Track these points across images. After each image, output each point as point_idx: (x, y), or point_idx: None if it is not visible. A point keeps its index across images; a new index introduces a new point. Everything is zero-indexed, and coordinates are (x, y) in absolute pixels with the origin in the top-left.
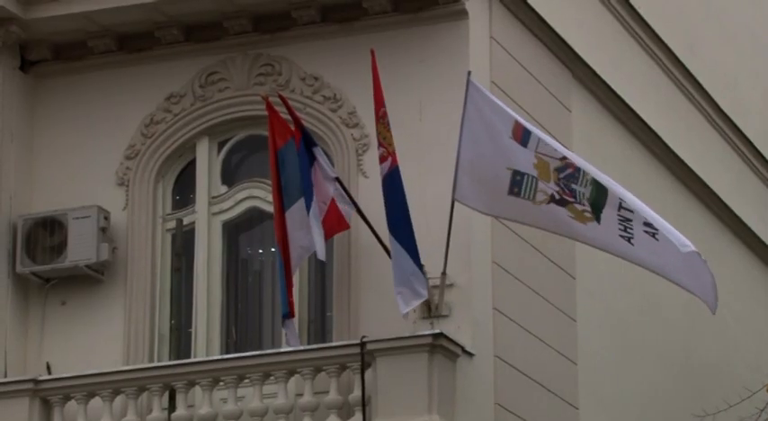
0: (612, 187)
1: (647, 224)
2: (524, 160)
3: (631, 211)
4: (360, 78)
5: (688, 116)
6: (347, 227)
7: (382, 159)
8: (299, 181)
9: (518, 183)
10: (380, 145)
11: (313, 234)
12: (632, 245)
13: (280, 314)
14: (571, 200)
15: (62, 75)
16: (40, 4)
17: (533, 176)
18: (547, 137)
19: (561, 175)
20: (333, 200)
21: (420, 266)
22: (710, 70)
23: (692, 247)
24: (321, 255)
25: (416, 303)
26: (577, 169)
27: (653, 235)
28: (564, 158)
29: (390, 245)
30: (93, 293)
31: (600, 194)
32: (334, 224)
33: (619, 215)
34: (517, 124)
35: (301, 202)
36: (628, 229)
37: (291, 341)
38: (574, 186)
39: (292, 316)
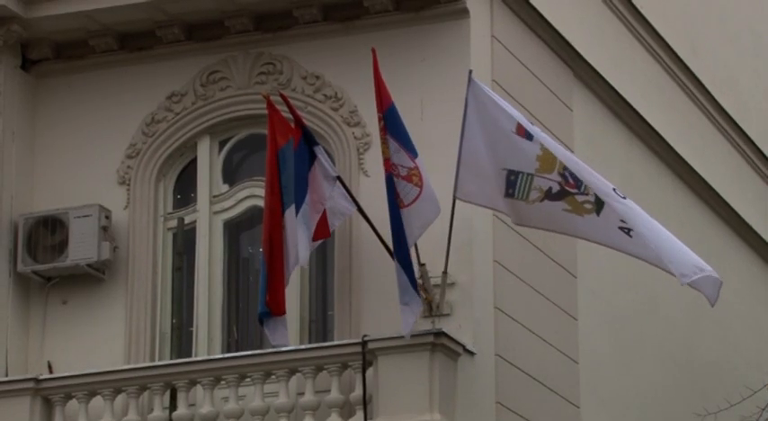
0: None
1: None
2: (524, 156)
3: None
4: (361, 77)
5: (689, 115)
6: (328, 235)
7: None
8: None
9: (512, 184)
10: (382, 152)
11: (298, 239)
12: (630, 237)
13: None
14: (573, 191)
15: (63, 74)
16: (41, 3)
17: (529, 174)
18: (547, 139)
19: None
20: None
21: (413, 280)
22: (712, 69)
23: (703, 273)
24: (303, 262)
25: (413, 322)
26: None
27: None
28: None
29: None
30: (95, 292)
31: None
32: (319, 230)
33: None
34: (519, 125)
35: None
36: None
37: (276, 340)
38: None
39: (282, 313)
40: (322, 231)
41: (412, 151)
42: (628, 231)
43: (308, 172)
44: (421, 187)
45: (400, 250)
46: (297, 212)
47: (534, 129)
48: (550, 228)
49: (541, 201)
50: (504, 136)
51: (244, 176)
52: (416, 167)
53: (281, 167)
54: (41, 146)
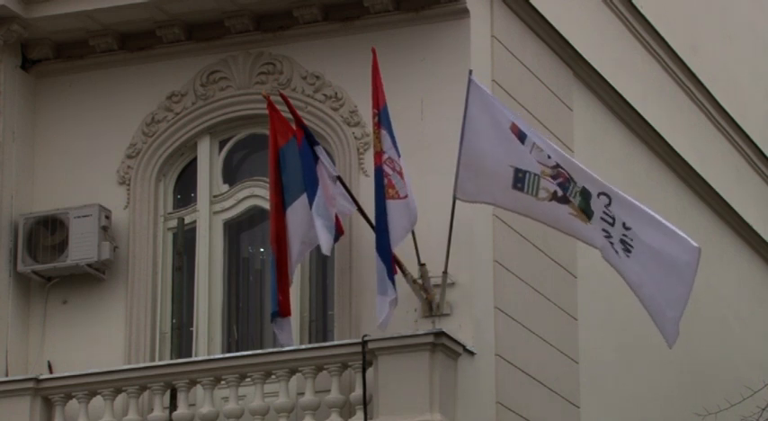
0: (598, 196)
1: (624, 242)
2: (527, 157)
3: (612, 225)
4: (361, 77)
5: (689, 115)
6: (342, 233)
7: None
8: (300, 178)
9: (521, 180)
10: (374, 145)
11: (317, 229)
12: (619, 256)
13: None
14: (572, 199)
15: (63, 73)
16: (41, 2)
17: (536, 174)
18: (541, 140)
19: (556, 181)
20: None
21: (389, 269)
22: (712, 69)
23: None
24: (326, 250)
25: (388, 309)
26: (568, 180)
27: (627, 252)
28: (556, 166)
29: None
30: (95, 292)
31: (587, 205)
32: (337, 227)
33: (603, 230)
34: (514, 125)
35: (304, 199)
36: (610, 241)
37: (283, 339)
38: (567, 193)
39: (288, 314)
40: (339, 228)
41: (398, 154)
42: (616, 251)
43: (315, 167)
44: (405, 188)
45: (381, 240)
46: (311, 205)
47: (527, 130)
48: (557, 226)
49: (549, 201)
50: (508, 135)
51: (244, 176)
52: (402, 169)
53: (282, 167)
54: (41, 145)
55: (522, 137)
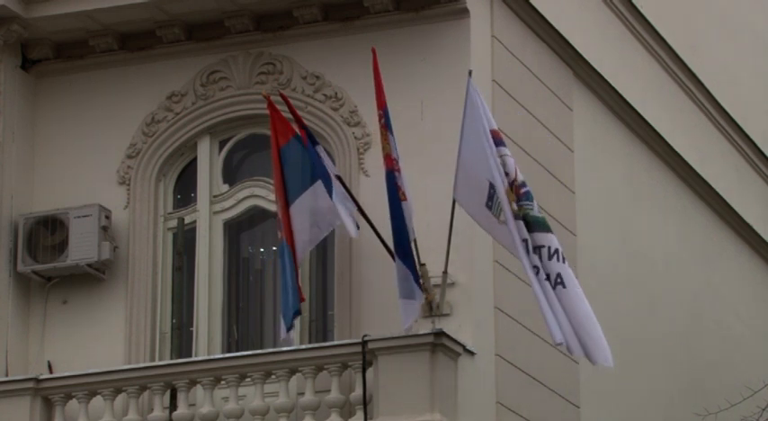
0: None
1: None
2: (498, 173)
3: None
4: (361, 77)
5: (690, 115)
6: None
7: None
8: (301, 177)
9: (491, 197)
10: (383, 148)
11: (340, 213)
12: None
13: (281, 313)
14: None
15: (63, 73)
16: (41, 3)
17: (501, 194)
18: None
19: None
20: None
21: (414, 273)
22: (712, 69)
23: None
24: (354, 233)
25: (415, 315)
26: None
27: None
28: (520, 184)
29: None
30: (95, 292)
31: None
32: None
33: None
34: (495, 132)
35: (305, 196)
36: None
37: (288, 337)
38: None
39: (300, 312)
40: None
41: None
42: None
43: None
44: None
45: (401, 243)
46: (330, 193)
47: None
48: (512, 251)
49: (507, 223)
50: (490, 143)
51: (244, 176)
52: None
53: (283, 166)
54: (41, 145)
55: (498, 143)
